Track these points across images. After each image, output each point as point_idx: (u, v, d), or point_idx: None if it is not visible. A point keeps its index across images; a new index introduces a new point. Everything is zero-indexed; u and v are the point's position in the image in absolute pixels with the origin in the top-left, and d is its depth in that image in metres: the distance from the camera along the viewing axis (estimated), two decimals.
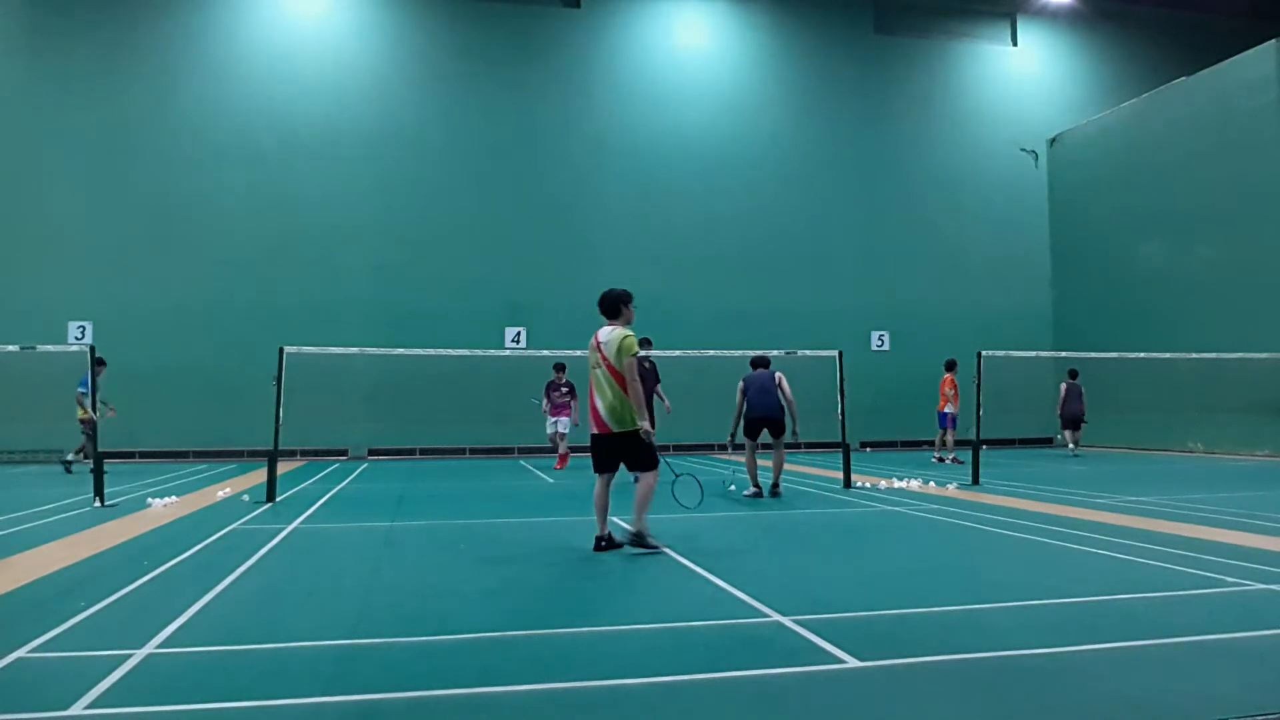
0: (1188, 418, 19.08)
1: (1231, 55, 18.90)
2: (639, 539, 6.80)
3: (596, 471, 7.06)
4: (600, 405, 6.88)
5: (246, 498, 10.74)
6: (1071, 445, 18.88)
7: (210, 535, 7.71)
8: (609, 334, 6.95)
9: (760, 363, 10.86)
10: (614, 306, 7.09)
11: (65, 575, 5.97)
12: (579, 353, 12.75)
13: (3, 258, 18.44)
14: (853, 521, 8.82)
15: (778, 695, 3.53)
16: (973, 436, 12.68)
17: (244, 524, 8.53)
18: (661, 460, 7.11)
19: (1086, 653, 4.03)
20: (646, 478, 6.89)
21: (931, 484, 12.00)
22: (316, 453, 19.00)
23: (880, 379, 20.86)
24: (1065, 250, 23.24)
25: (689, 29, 22.27)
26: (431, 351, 13.53)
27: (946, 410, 16.43)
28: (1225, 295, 18.50)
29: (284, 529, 8.19)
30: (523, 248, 20.54)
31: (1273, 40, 17.90)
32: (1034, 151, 23.65)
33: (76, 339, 18.15)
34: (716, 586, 5.53)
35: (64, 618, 4.68)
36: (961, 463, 15.18)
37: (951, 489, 11.52)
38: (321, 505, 10.30)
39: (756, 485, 10.75)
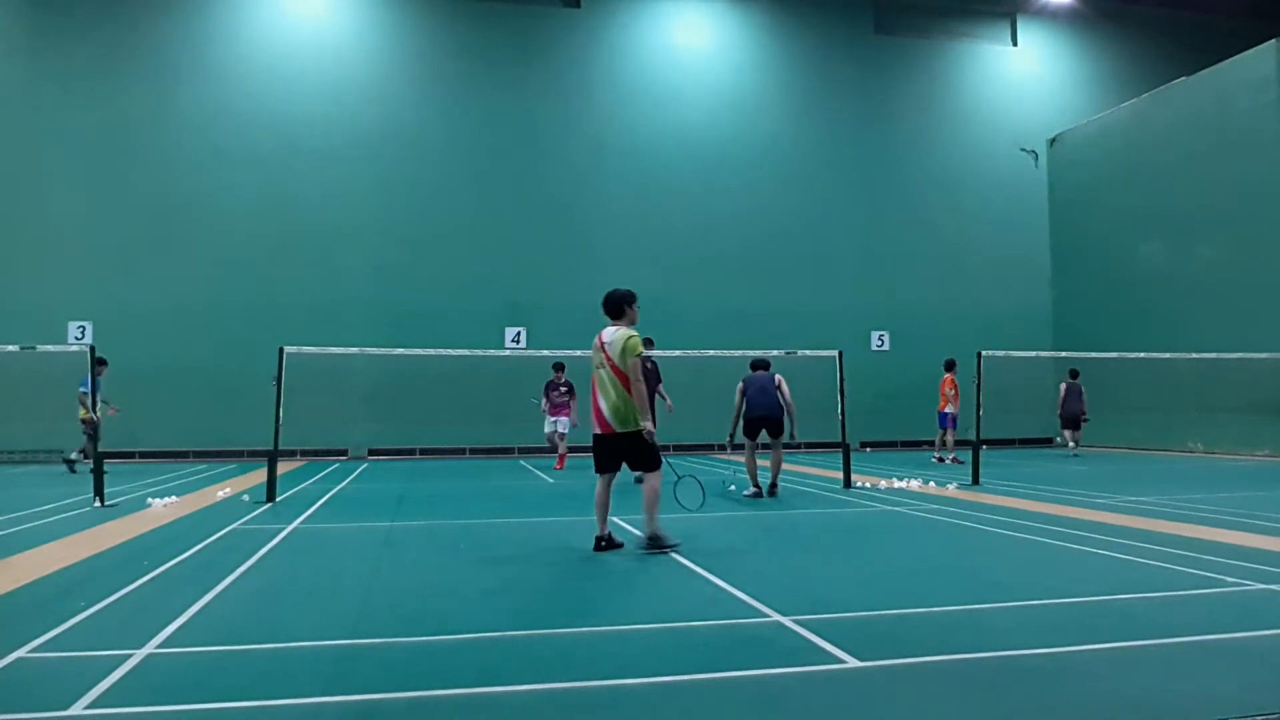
0: (1188, 418, 19.08)
1: (1231, 55, 18.90)
2: (655, 541, 6.82)
3: (598, 471, 7.05)
4: (604, 405, 6.88)
5: (246, 498, 10.74)
6: (1071, 445, 18.88)
7: (210, 535, 7.71)
8: (613, 334, 6.95)
9: (760, 365, 10.89)
10: (617, 307, 7.09)
11: (65, 575, 5.97)
12: (579, 353, 12.78)
13: (3, 258, 18.44)
14: (853, 521, 8.82)
15: (778, 695, 3.53)
16: (973, 436, 12.68)
17: (244, 524, 8.53)
18: (664, 460, 7.11)
19: (1086, 653, 4.03)
20: (651, 479, 6.88)
21: (931, 484, 12.00)
22: (316, 453, 19.00)
23: (880, 379, 20.86)
24: (1065, 250, 23.24)
25: (689, 29, 22.27)
26: (431, 351, 13.54)
27: (947, 410, 16.43)
28: (1225, 295, 18.50)
29: (284, 529, 8.19)
30: (523, 248, 20.54)
31: (1273, 40, 17.90)
32: (1034, 151, 23.65)
33: (76, 339, 18.15)
34: (716, 586, 5.53)
35: (64, 618, 4.68)
36: (961, 463, 15.18)
37: (951, 489, 11.52)
38: (321, 505, 10.30)
39: (756, 485, 10.77)
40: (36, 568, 6.18)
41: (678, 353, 13.25)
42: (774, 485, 10.79)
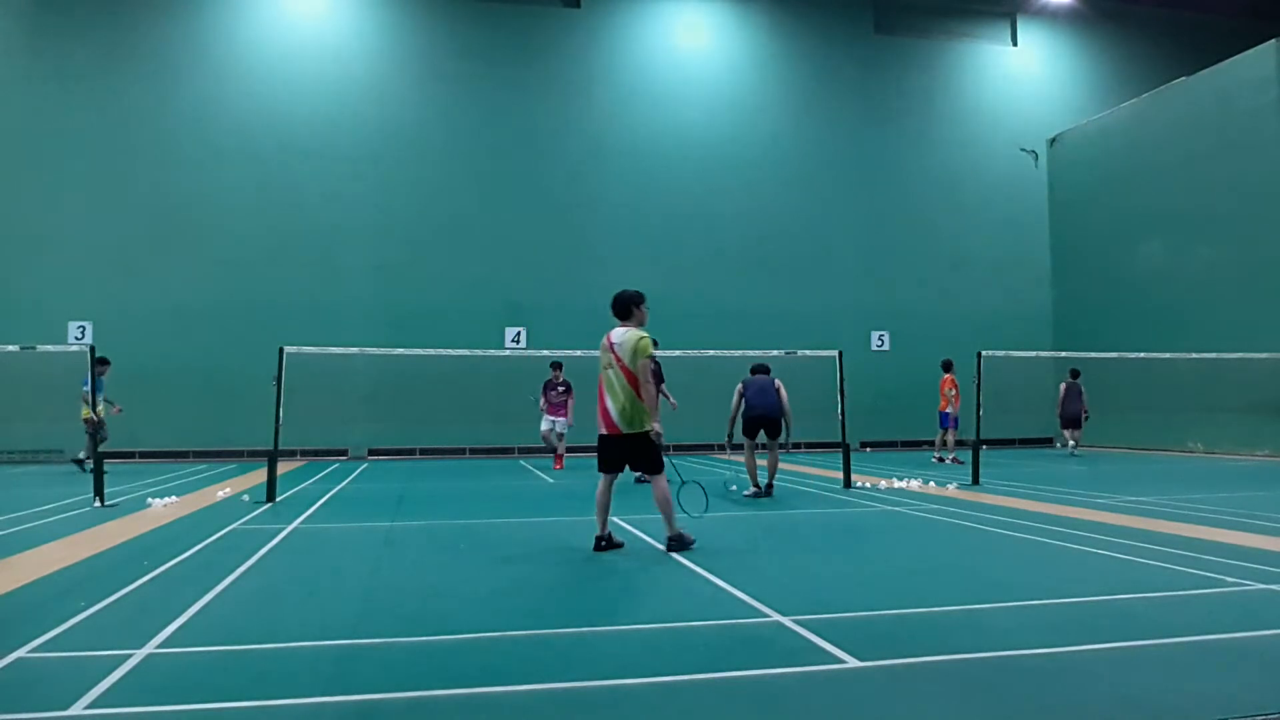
0: (1188, 418, 19.08)
1: (1231, 55, 18.90)
2: (679, 541, 6.82)
3: (601, 471, 7.04)
4: (611, 406, 6.87)
5: (246, 498, 10.74)
6: (1071, 444, 18.89)
7: (210, 535, 7.71)
8: (622, 335, 6.94)
9: (760, 369, 10.93)
10: (625, 308, 7.09)
11: (65, 575, 5.97)
12: (579, 352, 12.83)
13: (3, 258, 18.44)
14: (853, 521, 8.82)
15: (778, 695, 3.53)
16: (973, 437, 12.67)
17: (244, 524, 8.53)
18: (667, 462, 7.11)
19: (1086, 653, 4.03)
20: (659, 481, 6.88)
21: (931, 484, 12.00)
22: (316, 453, 19.00)
23: (880, 379, 20.86)
24: (1065, 250, 23.24)
25: (689, 29, 22.27)
26: (431, 351, 13.54)
27: (948, 410, 16.43)
28: (1225, 295, 18.50)
29: (284, 529, 8.19)
30: (523, 248, 20.54)
31: (1273, 40, 17.90)
32: (1034, 151, 23.65)
33: (76, 339, 18.15)
34: (716, 586, 5.53)
35: (64, 618, 4.68)
36: (962, 463, 15.18)
37: (951, 489, 11.52)
38: (321, 505, 10.30)
39: (756, 485, 10.79)
40: (36, 568, 6.18)
41: (678, 353, 13.24)
42: (769, 485, 10.81)
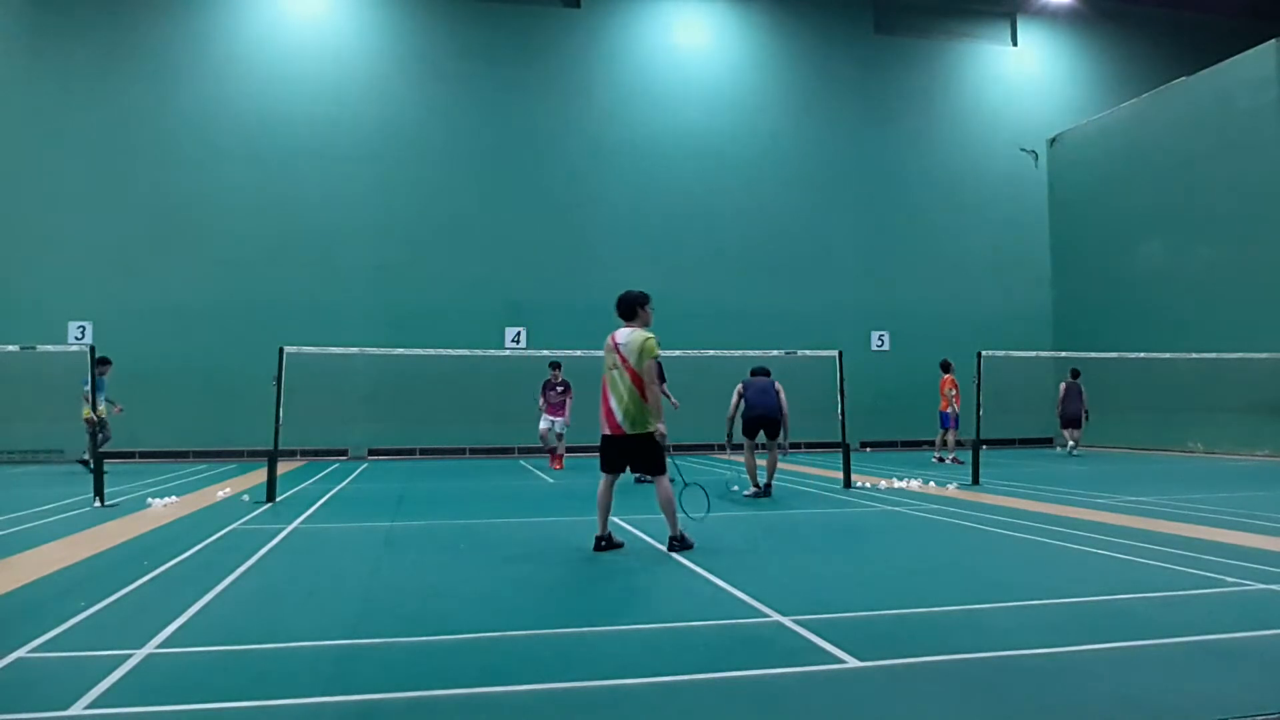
0: (1188, 418, 19.08)
1: (1231, 55, 18.89)
2: (681, 541, 6.82)
3: (604, 471, 7.03)
4: (615, 406, 6.86)
5: (246, 498, 10.74)
6: (1070, 444, 18.90)
7: (210, 535, 7.71)
8: (628, 335, 6.94)
9: (760, 372, 10.95)
10: (630, 308, 7.08)
11: (65, 575, 5.97)
12: (579, 352, 12.83)
13: (3, 258, 18.44)
14: (853, 521, 8.82)
15: (778, 695, 3.53)
16: (973, 436, 12.67)
17: (244, 524, 8.53)
18: (671, 463, 7.11)
19: (1086, 653, 4.03)
20: (662, 482, 6.88)
21: (931, 484, 12.00)
22: (316, 453, 19.00)
23: (880, 379, 20.86)
24: (1065, 250, 23.24)
25: (689, 29, 22.27)
26: (431, 351, 13.54)
27: (948, 410, 16.42)
28: (1225, 295, 18.50)
29: (284, 529, 8.19)
30: (523, 248, 20.54)
31: (1273, 40, 17.90)
32: (1034, 151, 23.65)
33: (76, 339, 18.15)
34: (716, 586, 5.53)
35: (64, 618, 4.68)
36: (962, 463, 15.18)
37: (951, 489, 11.52)
38: (321, 505, 10.30)
39: (756, 484, 10.80)
40: (36, 568, 6.18)
41: (678, 353, 13.23)
42: (768, 485, 10.81)
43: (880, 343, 22.27)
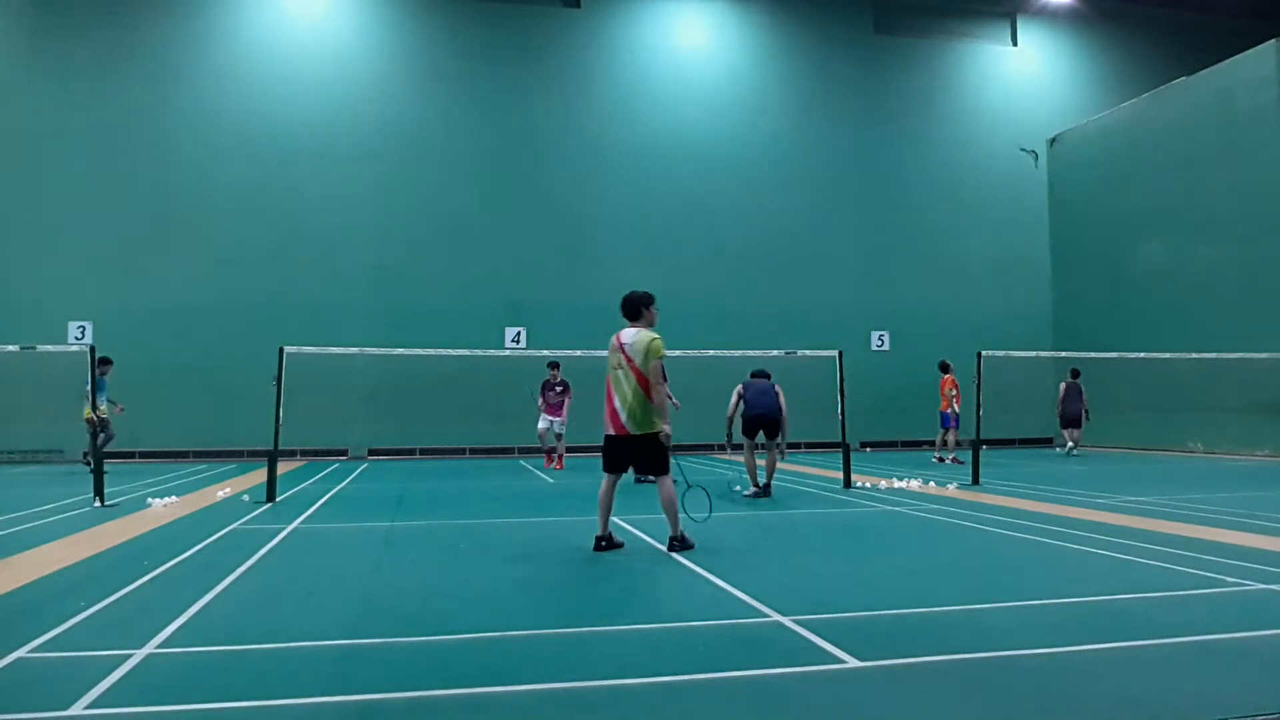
0: (1188, 418, 19.08)
1: (1231, 55, 18.89)
2: (682, 542, 6.82)
3: (606, 471, 7.02)
4: (619, 407, 6.86)
5: (246, 498, 10.74)
6: (1070, 444, 18.91)
7: (210, 535, 7.71)
8: (633, 336, 6.93)
9: (760, 374, 10.96)
10: (635, 308, 7.08)
11: (65, 575, 5.97)
12: (579, 352, 12.84)
13: (3, 258, 18.45)
14: (853, 521, 8.82)
15: (778, 695, 3.53)
16: (973, 436, 12.67)
17: (244, 524, 8.53)
18: (675, 463, 7.11)
19: (1086, 653, 4.03)
20: (665, 482, 6.88)
21: (931, 484, 12.00)
22: (316, 453, 19.00)
23: (880, 379, 20.86)
24: (1065, 250, 23.24)
25: (689, 29, 22.27)
26: (431, 351, 13.54)
27: (949, 410, 16.42)
28: (1225, 295, 18.50)
29: (284, 529, 8.19)
30: (523, 248, 20.54)
31: (1273, 40, 17.89)
32: (1034, 151, 23.65)
33: (76, 339, 18.15)
34: (716, 586, 5.53)
35: (64, 618, 4.68)
36: (962, 463, 15.18)
37: (951, 489, 11.52)
38: (321, 505, 10.30)
39: (756, 484, 10.80)
40: (36, 568, 6.18)
41: (678, 353, 13.19)
42: (767, 485, 10.82)
43: (880, 343, 22.27)
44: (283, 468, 12.37)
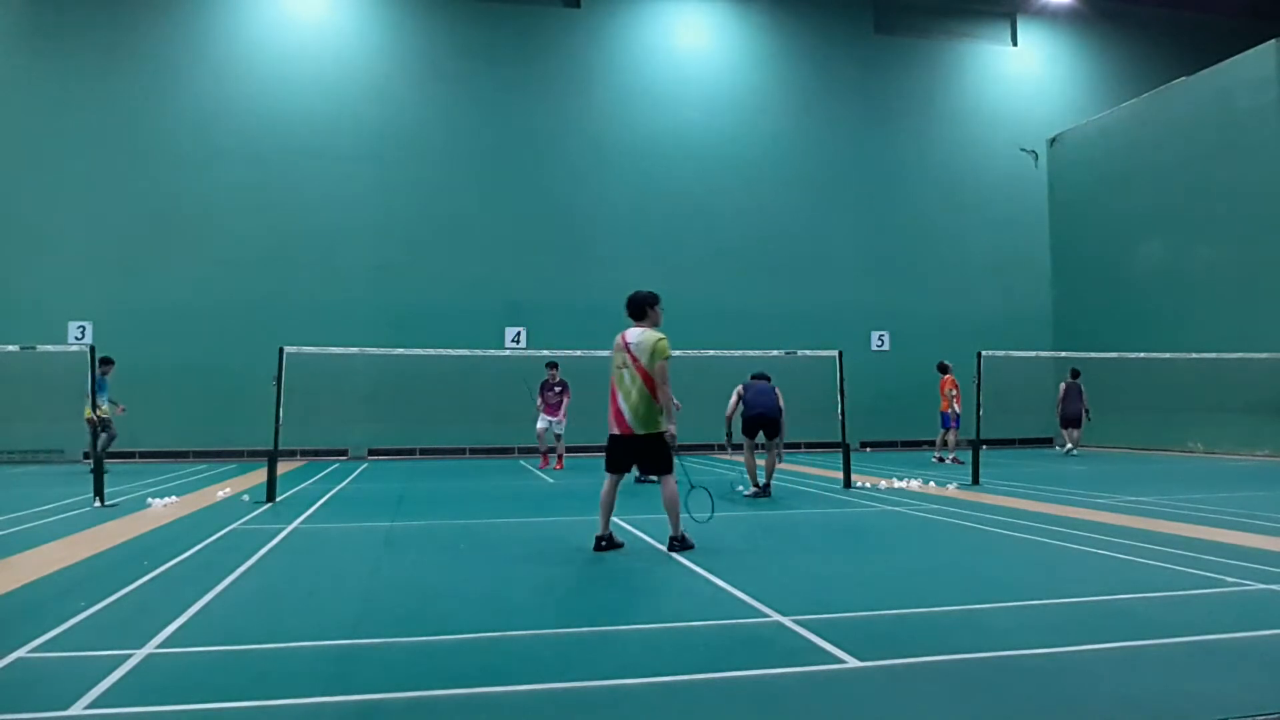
0: (1188, 418, 19.07)
1: (1231, 55, 18.89)
2: (682, 542, 6.82)
3: (609, 471, 7.02)
4: (624, 406, 6.85)
5: (246, 498, 10.74)
6: (1069, 445, 18.91)
7: (210, 535, 7.71)
8: (639, 335, 6.94)
9: (760, 377, 10.99)
10: (640, 308, 7.09)
11: (65, 575, 5.97)
12: (579, 352, 12.84)
13: (3, 258, 18.44)
14: (853, 521, 8.82)
15: (778, 695, 3.53)
16: (973, 436, 12.67)
17: (244, 524, 8.53)
18: (678, 463, 7.11)
19: (1086, 653, 4.03)
20: (668, 482, 6.88)
21: (931, 484, 12.00)
22: (316, 453, 19.00)
23: (880, 379, 20.86)
24: (1065, 250, 23.24)
25: (689, 29, 22.27)
26: (431, 351, 13.54)
27: (949, 410, 16.42)
28: (1225, 295, 18.50)
29: (284, 529, 8.19)
30: (523, 248, 20.54)
31: (1273, 40, 17.89)
32: (1034, 151, 23.65)
33: (76, 339, 18.15)
34: (717, 586, 5.53)
35: (64, 618, 4.68)
36: (962, 463, 15.18)
37: (951, 489, 11.52)
38: (321, 505, 10.30)
39: (756, 484, 10.80)
40: (36, 568, 6.18)
41: (678, 353, 13.14)
42: (766, 485, 10.83)
43: (880, 343, 22.27)
44: (283, 468, 12.37)
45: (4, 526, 8.30)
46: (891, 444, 21.45)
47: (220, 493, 11.33)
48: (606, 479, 7.01)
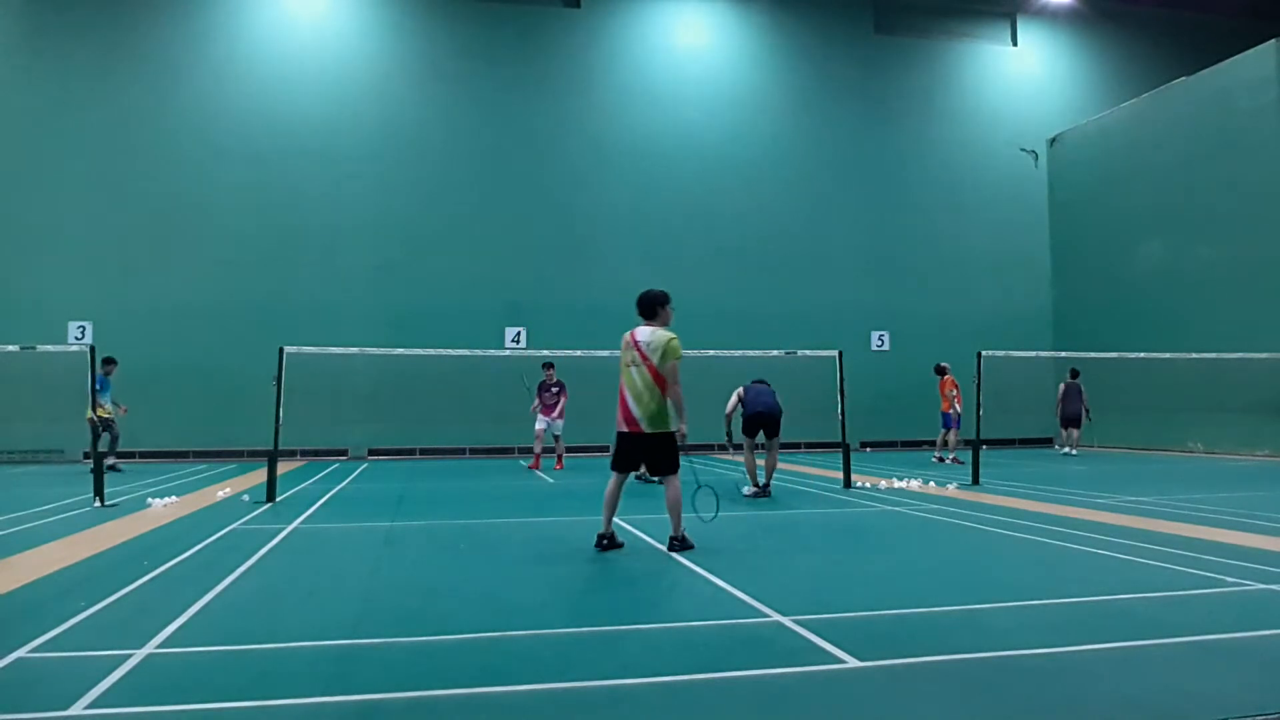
0: (1188, 418, 19.07)
1: (1231, 55, 18.89)
2: (680, 542, 6.81)
3: (614, 469, 7.01)
4: (633, 405, 6.84)
5: (246, 498, 10.74)
6: (1069, 445, 18.91)
7: (210, 535, 7.71)
8: (650, 334, 6.93)
9: (759, 383, 11.04)
10: (650, 307, 7.08)
11: (65, 575, 5.96)
12: (579, 352, 12.84)
13: (3, 258, 18.44)
14: (853, 521, 8.82)
15: (778, 695, 3.53)
16: (973, 436, 12.67)
17: (244, 524, 8.53)
18: (688, 462, 7.10)
19: (1086, 653, 4.03)
20: (673, 481, 6.88)
21: (931, 484, 12.00)
22: (316, 453, 18.99)
23: (880, 379, 20.86)
24: (1065, 250, 23.24)
25: (689, 29, 22.27)
26: (431, 351, 13.53)
27: (950, 410, 16.42)
28: (1225, 295, 18.50)
29: (284, 529, 8.19)
30: (523, 248, 20.54)
31: (1273, 40, 17.89)
32: (1034, 151, 23.65)
33: (76, 339, 18.15)
34: (716, 586, 5.53)
35: (64, 618, 4.68)
36: (962, 463, 15.18)
37: (951, 489, 11.52)
38: (321, 505, 10.30)
39: (756, 484, 10.81)
40: (36, 568, 6.18)
41: None
42: (766, 485, 10.83)
43: (880, 343, 22.27)
44: (283, 468, 12.37)
45: (4, 526, 8.30)
46: (891, 444, 21.45)
47: (220, 493, 11.33)
48: (612, 477, 7.00)
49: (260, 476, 11.77)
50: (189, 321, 18.85)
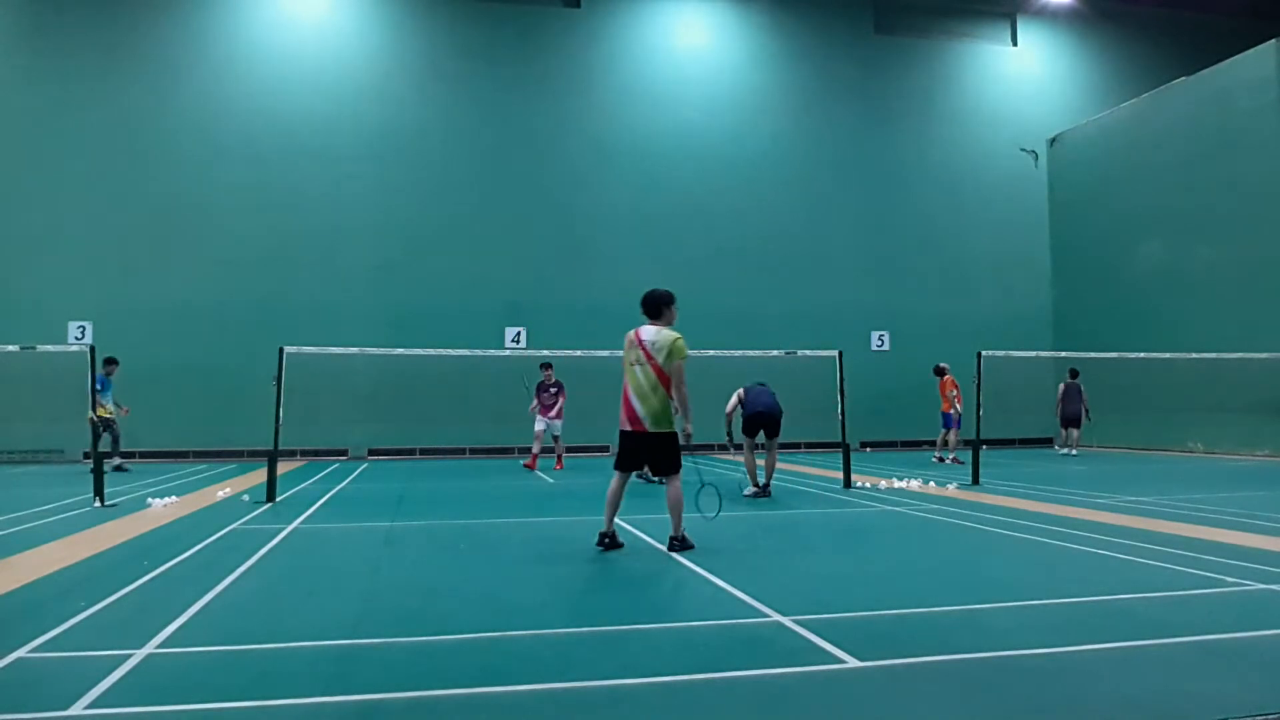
0: (1188, 418, 19.07)
1: (1231, 55, 18.89)
2: (681, 542, 6.81)
3: (618, 468, 7.00)
4: (638, 404, 6.84)
5: (246, 498, 10.74)
6: (1069, 445, 18.90)
7: (210, 535, 7.71)
8: (655, 334, 6.92)
9: (760, 385, 11.04)
10: (655, 307, 7.07)
11: (65, 575, 5.96)
12: (579, 352, 12.85)
13: (3, 258, 18.44)
14: (853, 521, 8.82)
15: (778, 695, 3.53)
16: (973, 436, 12.67)
17: (244, 524, 8.53)
18: (689, 463, 7.10)
19: (1086, 653, 4.03)
20: (674, 481, 6.88)
21: (931, 484, 12.00)
22: (316, 453, 18.99)
23: (880, 379, 20.86)
24: (1065, 250, 23.24)
25: (689, 29, 22.27)
26: (431, 351, 13.53)
27: (950, 410, 16.42)
28: (1225, 295, 18.50)
29: (284, 529, 8.19)
30: (523, 248, 20.54)
31: (1273, 40, 17.89)
32: (1034, 151, 23.65)
33: (76, 339, 18.15)
34: (717, 586, 5.53)
35: (64, 618, 4.67)
36: (962, 463, 15.18)
37: (951, 489, 11.52)
38: (321, 505, 10.30)
39: (756, 484, 10.82)
40: (36, 568, 6.18)
41: None
42: (766, 485, 10.84)
43: (880, 343, 22.27)
44: (283, 468, 12.37)
45: (4, 526, 8.30)
46: (891, 444, 21.45)
47: (220, 493, 11.33)
48: (615, 476, 6.99)
49: (260, 476, 11.77)
50: (189, 321, 18.85)
